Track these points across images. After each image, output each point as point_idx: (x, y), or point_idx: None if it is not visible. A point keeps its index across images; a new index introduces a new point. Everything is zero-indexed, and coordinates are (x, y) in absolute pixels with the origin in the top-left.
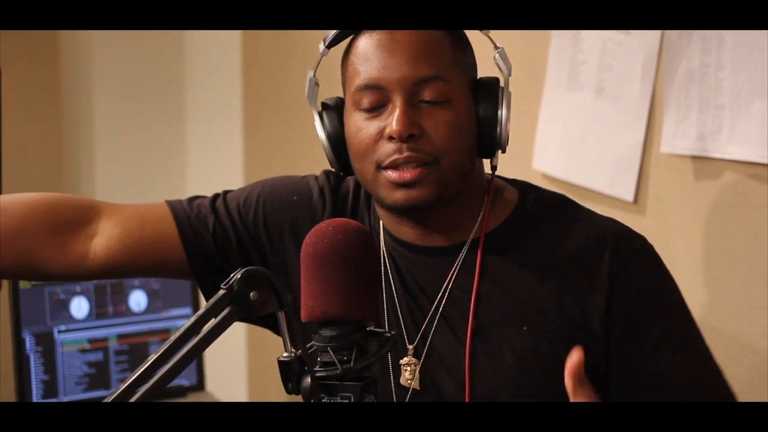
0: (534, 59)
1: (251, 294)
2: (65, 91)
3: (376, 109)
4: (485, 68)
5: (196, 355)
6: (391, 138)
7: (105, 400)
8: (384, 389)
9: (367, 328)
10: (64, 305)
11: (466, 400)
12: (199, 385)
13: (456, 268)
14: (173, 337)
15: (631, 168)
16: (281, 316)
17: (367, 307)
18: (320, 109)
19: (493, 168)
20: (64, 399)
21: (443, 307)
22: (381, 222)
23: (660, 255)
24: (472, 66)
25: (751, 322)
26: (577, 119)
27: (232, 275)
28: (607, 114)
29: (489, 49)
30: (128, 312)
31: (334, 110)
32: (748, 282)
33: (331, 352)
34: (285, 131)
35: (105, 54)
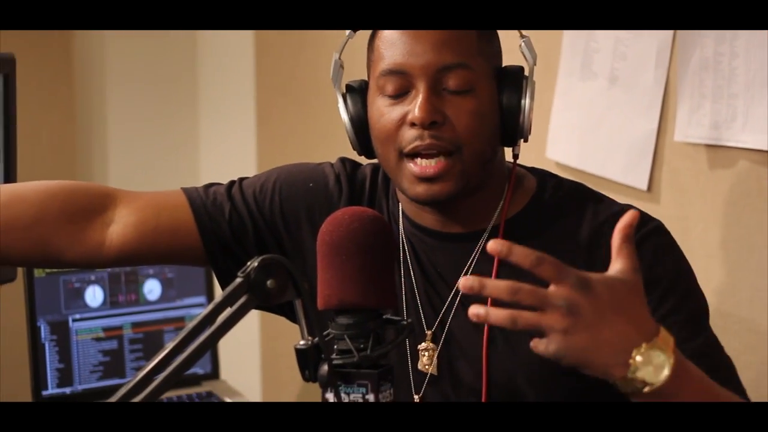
0: (547, 48)
1: (268, 282)
2: (78, 80)
3: (400, 95)
4: (507, 56)
5: (213, 343)
6: (413, 124)
7: (124, 387)
8: (402, 374)
9: (384, 316)
10: (79, 294)
11: (483, 387)
12: (214, 373)
13: (476, 255)
14: (190, 325)
15: (645, 156)
16: (298, 304)
17: (384, 294)
18: (344, 91)
19: (515, 156)
20: (79, 388)
21: (462, 293)
22: (400, 207)
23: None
24: (498, 53)
25: (765, 310)
26: (590, 108)
27: (248, 263)
28: (620, 103)
29: (511, 37)
30: (142, 300)
31: (358, 93)
32: (763, 269)
33: (348, 340)
34: (298, 119)
35: (118, 42)
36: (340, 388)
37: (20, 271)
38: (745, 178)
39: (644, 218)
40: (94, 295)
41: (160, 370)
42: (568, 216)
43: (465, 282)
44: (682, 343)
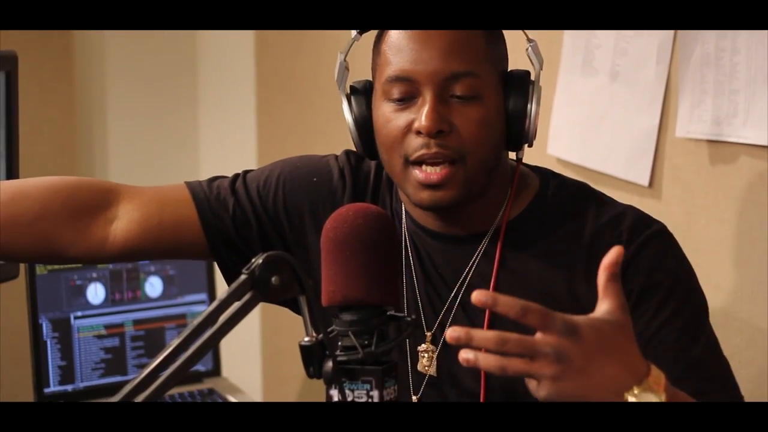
0: (549, 44)
1: (273, 279)
2: (79, 76)
3: (406, 101)
4: (510, 56)
5: (218, 340)
6: (419, 132)
7: (129, 384)
8: (401, 375)
9: (388, 313)
10: (81, 291)
11: (482, 389)
12: (215, 370)
13: (477, 257)
14: (195, 322)
15: (647, 152)
16: (302, 300)
17: (388, 291)
18: (348, 92)
19: (518, 160)
20: (81, 385)
21: (462, 295)
22: (403, 206)
23: (677, 240)
24: (504, 57)
25: (765, 305)
26: (591, 104)
27: (253, 260)
28: (622, 99)
29: (514, 36)
30: (144, 298)
31: (363, 95)
32: (765, 265)
33: (352, 337)
34: (298, 115)
35: (118, 38)
36: (345, 384)
37: (22, 268)
38: (746, 173)
39: (646, 220)
40: (95, 293)
41: (165, 366)
42: (570, 217)
43: (452, 333)
44: (681, 351)
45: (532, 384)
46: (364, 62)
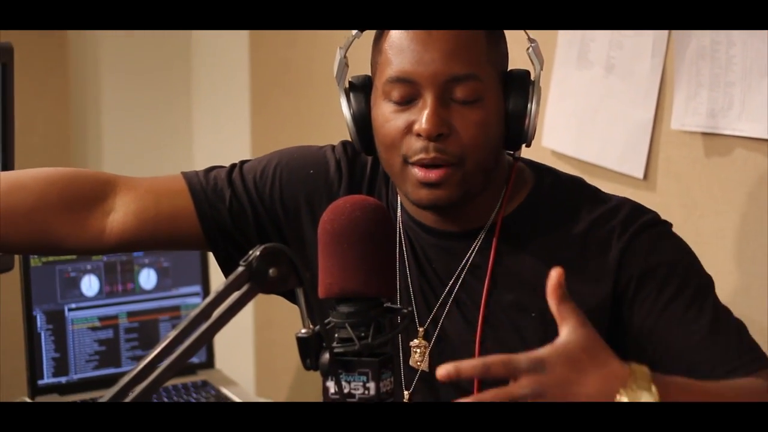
0: (544, 37)
1: (270, 271)
2: (73, 68)
3: (406, 102)
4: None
5: (215, 331)
6: (419, 135)
7: (127, 375)
8: (393, 370)
9: (384, 305)
10: (75, 283)
11: (475, 386)
12: (209, 362)
13: (471, 253)
14: (192, 314)
15: (642, 145)
16: (300, 292)
17: (385, 283)
18: (347, 87)
19: (516, 159)
20: (75, 377)
21: (456, 291)
22: (399, 200)
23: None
24: (504, 56)
25: (761, 297)
26: (587, 96)
27: (250, 252)
28: (617, 91)
29: (513, 35)
30: (138, 290)
31: (361, 91)
32: (760, 257)
33: (349, 329)
34: (293, 107)
35: (113, 31)
36: (341, 376)
37: (16, 260)
38: (741, 166)
39: (639, 210)
40: (89, 285)
41: (163, 357)
42: (565, 212)
43: (441, 370)
44: (689, 325)
45: None
46: (362, 56)
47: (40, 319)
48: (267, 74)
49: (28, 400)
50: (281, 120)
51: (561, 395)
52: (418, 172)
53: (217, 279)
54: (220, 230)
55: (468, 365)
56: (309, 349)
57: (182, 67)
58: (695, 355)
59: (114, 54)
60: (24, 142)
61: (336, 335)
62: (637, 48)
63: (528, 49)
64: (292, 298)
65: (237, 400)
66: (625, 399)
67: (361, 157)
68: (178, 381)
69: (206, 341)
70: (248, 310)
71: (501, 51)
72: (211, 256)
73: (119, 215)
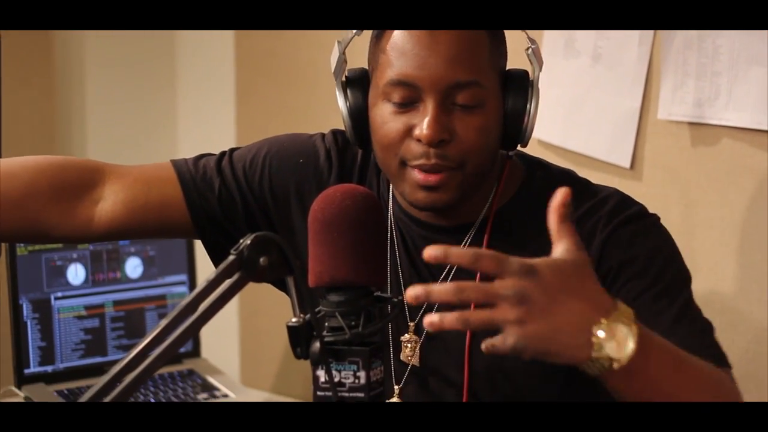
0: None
1: (261, 259)
2: (58, 57)
3: (407, 105)
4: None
5: (206, 320)
6: (419, 140)
7: (117, 365)
8: (385, 365)
9: (375, 293)
10: (61, 271)
11: (465, 380)
12: (195, 351)
13: (463, 247)
14: (183, 302)
15: (628, 134)
16: (290, 281)
17: (375, 272)
18: (344, 81)
19: (509, 158)
20: (61, 366)
21: None
22: (391, 191)
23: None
24: (505, 57)
25: (749, 287)
26: (573, 86)
27: (241, 241)
28: (604, 81)
29: (510, 34)
30: (124, 278)
31: (358, 86)
32: (746, 246)
33: (339, 317)
34: (279, 97)
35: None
36: (331, 365)
37: (3, 248)
38: (728, 156)
39: (626, 202)
40: (76, 273)
41: (154, 346)
42: None
43: (410, 291)
44: (658, 315)
45: (496, 340)
46: (358, 48)
47: (26, 308)
48: (252, 65)
49: (14, 389)
50: (267, 111)
51: (542, 309)
52: (417, 175)
53: (204, 268)
54: (209, 219)
55: (457, 253)
56: (299, 338)
57: (167, 57)
58: None
59: (99, 42)
60: (9, 134)
61: (326, 324)
62: (624, 38)
63: (528, 49)
64: (281, 286)
65: (223, 389)
66: (603, 329)
67: (352, 147)
68: (164, 370)
69: (197, 330)
70: (234, 299)
71: (502, 52)
72: (197, 245)
73: (108, 204)
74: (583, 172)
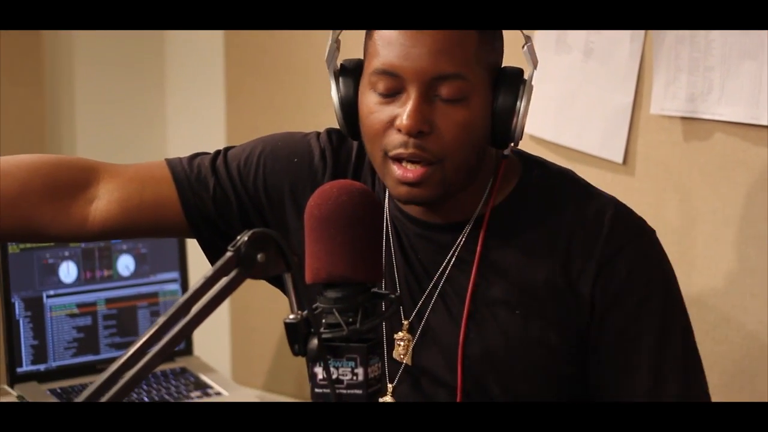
0: None
1: (258, 256)
2: (48, 54)
3: (391, 95)
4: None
5: (203, 318)
6: (399, 130)
7: (115, 363)
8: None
9: (371, 290)
10: (53, 270)
11: (459, 380)
12: (187, 349)
13: (458, 246)
14: (181, 300)
15: (621, 129)
16: (288, 278)
17: (372, 268)
18: (337, 70)
19: (503, 157)
20: (54, 365)
21: (442, 284)
22: (387, 190)
23: (650, 218)
24: (499, 54)
25: (742, 282)
26: (566, 81)
27: (238, 237)
28: (596, 76)
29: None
30: (116, 276)
31: (351, 76)
32: (739, 243)
33: (337, 314)
34: (269, 95)
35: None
36: (329, 362)
37: None
38: (720, 150)
39: (628, 219)
40: (68, 271)
41: (152, 344)
42: (552, 208)
43: None
44: (652, 355)
45: None
46: (354, 38)
47: (18, 306)
48: (242, 63)
49: (7, 387)
50: (257, 110)
51: None
52: (397, 170)
53: (196, 265)
54: (203, 218)
55: None
56: (297, 335)
57: (156, 55)
58: (650, 394)
59: (88, 40)
60: None
61: (323, 321)
62: (616, 33)
63: (523, 47)
64: (276, 283)
65: (216, 386)
66: None
67: (346, 145)
68: (157, 368)
69: (195, 327)
70: None
71: (494, 49)
72: (189, 242)
73: (102, 203)
74: (575, 168)
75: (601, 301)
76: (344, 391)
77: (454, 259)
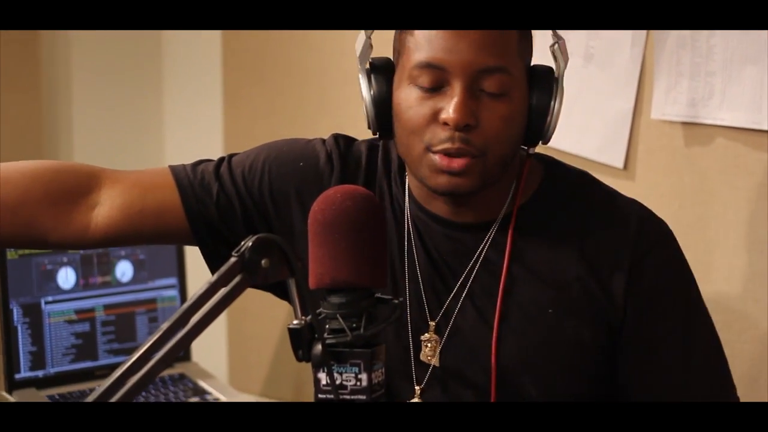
0: None
1: (262, 261)
2: (45, 59)
3: (434, 89)
4: None
5: (207, 323)
6: (445, 124)
7: (118, 369)
8: (404, 365)
9: (375, 295)
10: (51, 276)
11: (493, 381)
12: (186, 355)
13: (485, 244)
14: (184, 306)
15: (622, 134)
16: (291, 283)
17: (376, 273)
18: (368, 68)
19: (530, 156)
20: (52, 371)
21: (469, 284)
22: (407, 190)
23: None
24: (531, 51)
25: (744, 287)
26: (566, 86)
27: (243, 242)
28: (596, 81)
29: None
30: (114, 282)
31: (382, 73)
32: (739, 247)
33: (341, 319)
34: (267, 100)
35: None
36: (333, 367)
37: None
38: (721, 155)
39: (652, 220)
40: (66, 277)
41: (156, 350)
42: (578, 207)
43: None
44: (684, 359)
45: None
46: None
47: (16, 313)
48: (240, 66)
49: (5, 394)
50: (255, 114)
51: None
52: (440, 160)
53: (194, 272)
54: (206, 225)
55: None
56: (301, 341)
57: (153, 60)
58: (677, 393)
59: (85, 45)
60: None
61: (327, 326)
62: (616, 37)
63: (554, 45)
64: (280, 293)
65: (214, 392)
66: None
67: (354, 150)
68: None
69: (199, 332)
70: None
71: (529, 45)
72: (187, 248)
73: (104, 209)
74: None
75: (632, 300)
76: (348, 397)
77: (481, 259)
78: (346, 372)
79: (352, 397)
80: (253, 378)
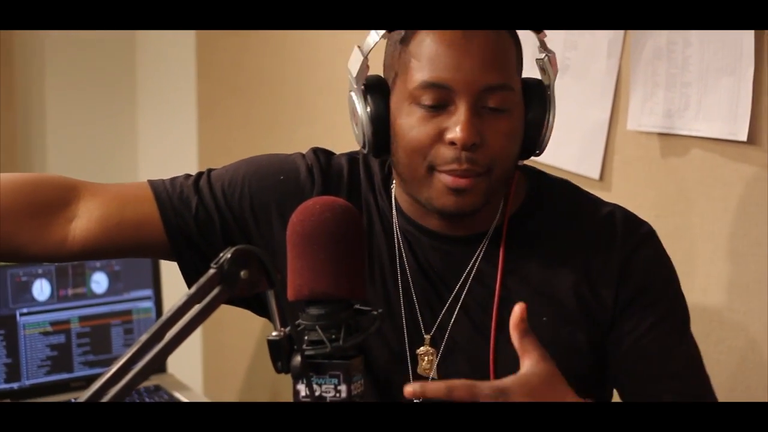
0: None
1: (241, 273)
2: (18, 70)
3: (437, 108)
4: None
5: (186, 335)
6: (451, 143)
7: (96, 382)
8: (401, 378)
9: (354, 306)
10: (26, 287)
11: None
12: (161, 367)
13: (477, 257)
14: (162, 318)
15: (598, 145)
16: (271, 294)
17: (355, 284)
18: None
19: (519, 167)
20: (27, 383)
21: (463, 297)
22: (394, 203)
23: None
24: (522, 65)
25: (722, 297)
26: None
27: (221, 254)
28: (572, 92)
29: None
30: (90, 294)
31: (379, 92)
32: (717, 257)
33: (320, 331)
34: (242, 110)
35: (58, 33)
36: (312, 379)
37: None
38: (698, 166)
39: (636, 222)
40: (41, 289)
41: (134, 362)
42: (566, 216)
43: (407, 389)
44: (668, 350)
45: None
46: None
47: None
48: (215, 77)
49: None
50: (230, 125)
51: None
52: (447, 178)
53: (169, 283)
54: (185, 238)
55: (433, 387)
56: (280, 352)
57: (127, 68)
58: (656, 383)
59: (59, 56)
60: None
61: (306, 338)
62: (592, 48)
63: (544, 57)
64: (257, 309)
65: None
66: None
67: (334, 163)
68: None
69: (177, 345)
70: None
71: (521, 59)
72: (162, 261)
73: (83, 222)
74: None
75: (621, 299)
76: None
77: (474, 272)
78: (325, 383)
79: None
80: (228, 389)
